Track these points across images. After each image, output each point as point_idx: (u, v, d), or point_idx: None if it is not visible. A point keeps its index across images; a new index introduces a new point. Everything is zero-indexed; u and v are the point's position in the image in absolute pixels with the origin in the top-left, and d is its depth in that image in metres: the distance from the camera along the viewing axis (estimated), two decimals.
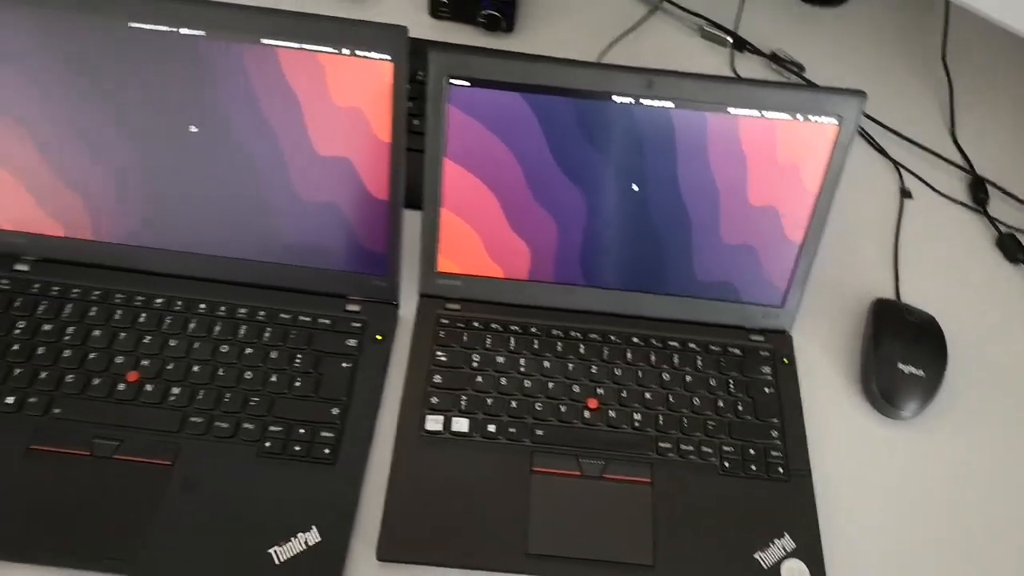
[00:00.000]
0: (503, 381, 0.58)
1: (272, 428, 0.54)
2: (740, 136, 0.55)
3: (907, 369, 0.59)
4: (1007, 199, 0.72)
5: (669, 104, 0.54)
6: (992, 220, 0.70)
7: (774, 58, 0.78)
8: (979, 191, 0.71)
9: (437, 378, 0.58)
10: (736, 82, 0.54)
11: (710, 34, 0.79)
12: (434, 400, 0.57)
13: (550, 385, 0.58)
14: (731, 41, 0.79)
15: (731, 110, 0.54)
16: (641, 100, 0.54)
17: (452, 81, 0.53)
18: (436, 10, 0.77)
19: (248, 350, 0.57)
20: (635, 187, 0.57)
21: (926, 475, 0.58)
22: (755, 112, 0.54)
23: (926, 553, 0.54)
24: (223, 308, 0.59)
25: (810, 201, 0.57)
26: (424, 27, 0.77)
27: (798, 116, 0.54)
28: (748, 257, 0.59)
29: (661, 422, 0.57)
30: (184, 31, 0.52)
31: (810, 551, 0.53)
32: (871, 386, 0.60)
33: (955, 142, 0.75)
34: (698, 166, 0.56)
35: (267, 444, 0.54)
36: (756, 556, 0.52)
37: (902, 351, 0.60)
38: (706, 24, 0.80)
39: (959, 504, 0.57)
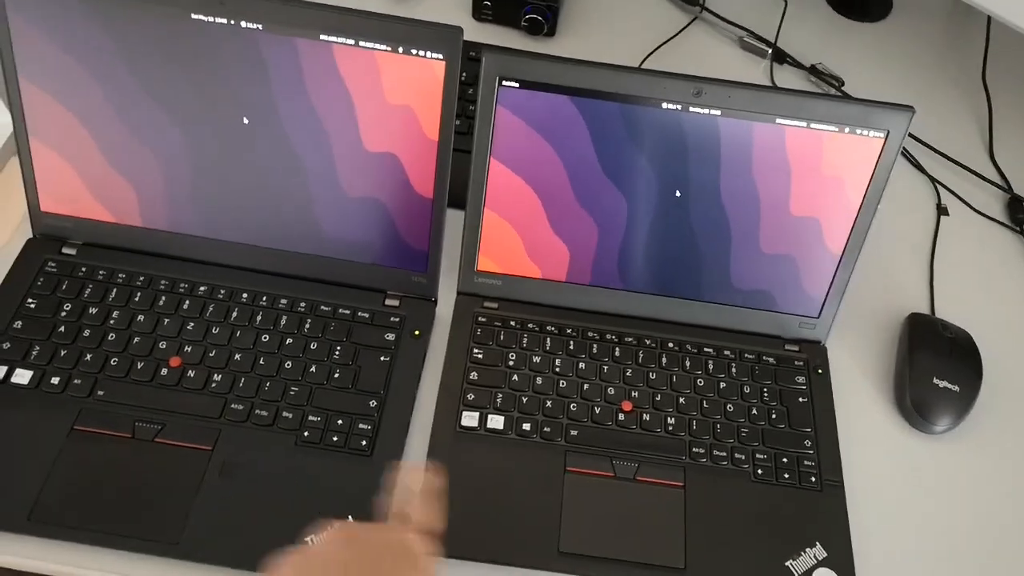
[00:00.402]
0: (538, 380, 0.58)
1: (311, 418, 0.55)
2: (786, 146, 0.55)
3: (942, 384, 0.59)
4: None
5: (716, 112, 0.54)
6: None
7: (813, 71, 0.78)
8: (1016, 210, 0.71)
9: (473, 375, 0.58)
10: (785, 93, 0.55)
11: (750, 45, 0.80)
12: (470, 397, 0.57)
13: (585, 386, 0.58)
14: (771, 52, 0.79)
15: (779, 120, 0.54)
16: (689, 107, 0.54)
17: (503, 82, 0.54)
18: (479, 12, 0.78)
19: (288, 340, 0.58)
20: (678, 193, 0.58)
21: (958, 490, 0.58)
22: (802, 123, 0.54)
23: (957, 567, 0.54)
24: (265, 298, 0.60)
25: (852, 214, 0.57)
26: (467, 29, 0.78)
27: (845, 129, 0.54)
28: (786, 267, 0.60)
29: (695, 427, 0.57)
30: (244, 24, 0.53)
31: (841, 561, 0.53)
32: (905, 399, 0.60)
33: (993, 161, 0.75)
34: (742, 175, 0.56)
35: (305, 433, 0.54)
36: (788, 564, 0.52)
37: (937, 365, 0.60)
38: (746, 35, 0.80)
39: (991, 519, 0.56)
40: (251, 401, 0.55)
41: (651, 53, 0.78)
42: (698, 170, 0.56)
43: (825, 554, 0.53)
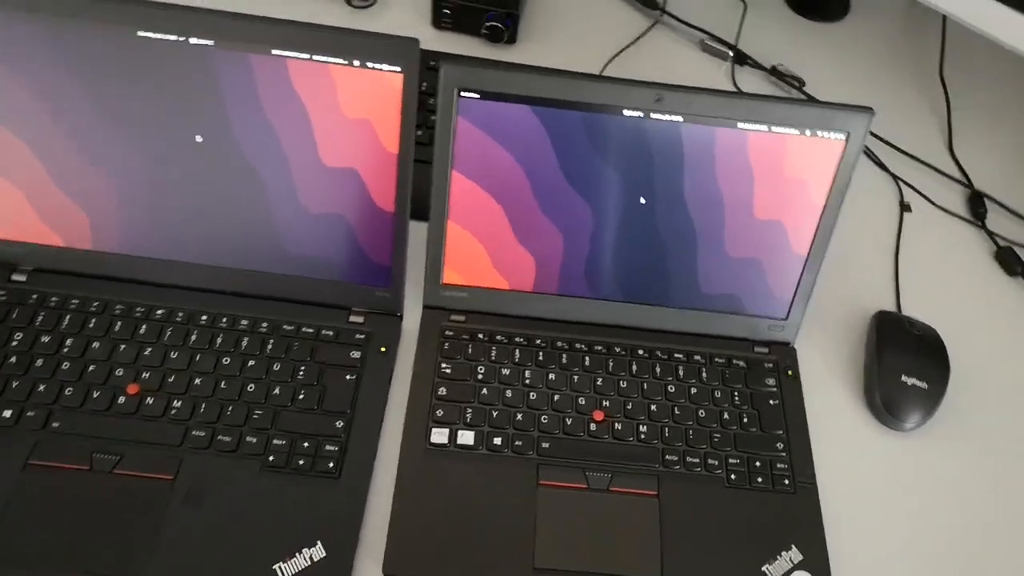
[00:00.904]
0: (508, 393, 0.57)
1: (275, 442, 0.54)
2: (748, 151, 0.55)
3: (910, 381, 0.60)
4: (1005, 213, 0.73)
5: (678, 118, 0.54)
6: (990, 234, 0.71)
7: (774, 72, 0.78)
8: (977, 205, 0.72)
9: (442, 390, 0.57)
10: (745, 97, 0.54)
11: (711, 47, 0.80)
12: (439, 413, 0.56)
13: (555, 397, 0.58)
14: (732, 55, 0.79)
15: (740, 125, 0.54)
16: (651, 114, 0.54)
17: (463, 93, 0.53)
18: (439, 20, 0.77)
19: (251, 362, 0.56)
20: (642, 200, 0.57)
21: (930, 486, 0.58)
22: (763, 127, 0.54)
23: (931, 564, 0.55)
24: (225, 320, 0.58)
25: (816, 215, 0.57)
26: (427, 37, 0.77)
27: (806, 132, 0.54)
28: (753, 270, 0.59)
29: (667, 434, 0.57)
30: (193, 40, 0.51)
31: (817, 563, 0.53)
32: (874, 398, 0.60)
33: (953, 156, 0.76)
34: (705, 180, 0.56)
35: (270, 458, 0.53)
36: (764, 569, 0.52)
37: (905, 363, 0.61)
38: (707, 38, 0.80)
39: (963, 514, 0.57)
40: (213, 427, 0.54)
41: (612, 58, 0.78)
42: (662, 176, 0.56)
43: (801, 557, 0.53)
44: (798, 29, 0.85)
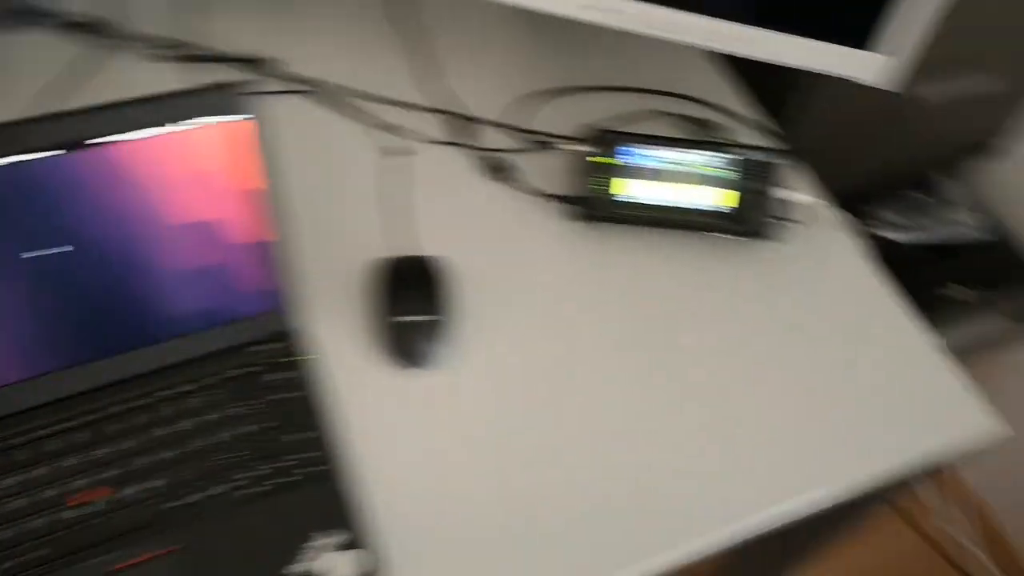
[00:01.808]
0: None
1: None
2: (153, 160, 0.49)
3: (415, 318, 0.60)
4: (490, 128, 0.76)
5: (60, 151, 0.47)
6: (479, 149, 0.74)
7: (229, 60, 0.75)
8: (466, 128, 0.75)
9: None
10: (117, 107, 0.49)
11: (160, 54, 0.74)
12: None
13: (24, 501, 0.50)
14: (180, 56, 0.74)
15: (128, 136, 0.48)
16: (23, 155, 0.47)
17: None
18: None
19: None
20: (64, 248, 0.51)
21: (471, 416, 0.59)
22: (152, 132, 0.49)
23: (478, 501, 0.55)
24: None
25: (259, 198, 0.54)
26: None
27: (205, 121, 0.50)
28: (221, 275, 0.56)
29: (185, 477, 0.52)
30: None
31: (365, 537, 0.52)
32: (389, 348, 0.60)
33: (436, 92, 0.78)
34: (123, 204, 0.50)
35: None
36: (303, 567, 0.50)
37: (409, 303, 0.61)
38: (155, 47, 0.74)
39: (501, 434, 0.58)
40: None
41: (48, 96, 0.70)
42: (74, 218, 0.49)
43: (344, 537, 0.51)
44: (261, 9, 0.82)
